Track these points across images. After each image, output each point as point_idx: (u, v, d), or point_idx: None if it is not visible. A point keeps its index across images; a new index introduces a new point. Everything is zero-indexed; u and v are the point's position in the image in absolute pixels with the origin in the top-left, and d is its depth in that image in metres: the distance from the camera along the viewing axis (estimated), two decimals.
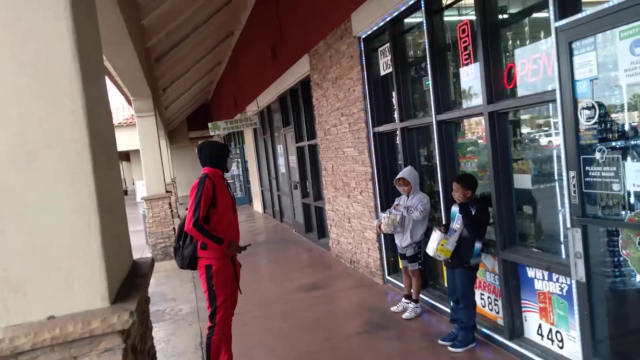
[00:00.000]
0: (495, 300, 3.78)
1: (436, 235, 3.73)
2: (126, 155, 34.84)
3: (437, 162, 4.21)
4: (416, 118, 4.84)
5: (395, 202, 4.64)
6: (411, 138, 4.85)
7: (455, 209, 3.77)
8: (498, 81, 3.49)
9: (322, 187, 7.71)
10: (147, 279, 2.03)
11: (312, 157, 8.21)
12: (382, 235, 5.54)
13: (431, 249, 3.75)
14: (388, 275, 5.55)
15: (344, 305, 5.06)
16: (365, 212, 5.80)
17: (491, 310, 3.85)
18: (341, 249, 6.89)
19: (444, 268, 4.47)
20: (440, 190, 4.23)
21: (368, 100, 5.45)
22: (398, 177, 4.45)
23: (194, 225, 3.20)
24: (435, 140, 4.19)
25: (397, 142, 5.29)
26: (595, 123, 2.58)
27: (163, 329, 5.08)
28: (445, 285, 4.53)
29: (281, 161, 10.80)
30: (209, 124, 12.17)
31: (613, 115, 2.54)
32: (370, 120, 5.48)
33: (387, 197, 5.50)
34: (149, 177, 8.20)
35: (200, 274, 3.41)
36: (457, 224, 3.69)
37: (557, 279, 3.11)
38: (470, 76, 3.90)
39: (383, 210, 5.47)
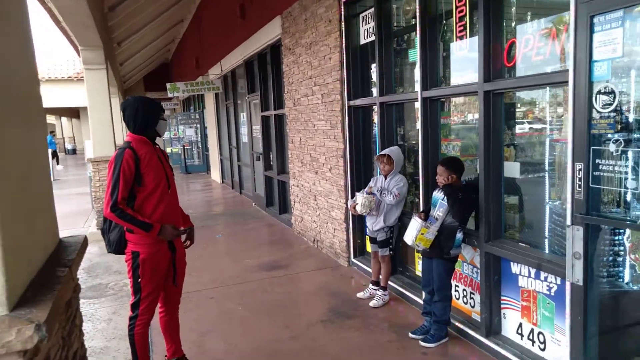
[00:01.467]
0: (471, 294, 3.55)
1: (416, 223, 3.42)
2: (76, 113, 32.83)
3: (420, 142, 3.87)
4: (397, 93, 4.47)
5: (370, 183, 4.30)
6: (390, 114, 4.49)
7: (438, 194, 3.46)
8: (497, 58, 3.16)
9: (287, 160, 7.28)
10: (74, 268, 1.57)
11: (278, 128, 7.72)
12: (350, 216, 5.21)
13: (409, 237, 3.45)
14: (354, 258, 5.26)
15: (306, 288, 4.73)
16: (334, 191, 5.44)
17: (466, 304, 3.62)
18: (304, 226, 6.54)
19: (417, 255, 4.21)
20: (421, 173, 3.91)
21: (345, 71, 5.02)
22: (383, 153, 4.09)
23: (112, 209, 2.59)
24: (419, 118, 3.84)
25: (374, 118, 4.92)
26: (612, 111, 2.29)
27: (105, 305, 4.58)
28: (416, 272, 4.28)
29: (244, 130, 10.23)
30: (168, 85, 11.35)
31: (636, 103, 2.25)
32: (346, 92, 5.06)
33: (358, 176, 5.15)
34: (97, 137, 7.47)
35: (126, 260, 2.81)
36: (438, 211, 3.39)
37: (546, 278, 2.88)
38: (464, 50, 3.54)
39: (353, 190, 5.13)
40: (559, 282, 2.77)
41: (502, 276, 3.25)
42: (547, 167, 3.21)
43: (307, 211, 6.37)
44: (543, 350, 2.94)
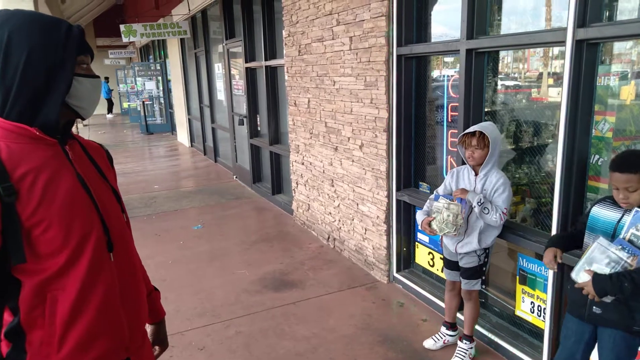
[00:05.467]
0: None
1: (603, 255, 1.91)
2: None
3: (562, 118, 2.31)
4: (497, 35, 2.86)
5: (448, 181, 2.75)
6: (480, 70, 2.87)
7: (610, 213, 1.96)
8: None
9: (286, 127, 5.59)
10: None
11: (271, 84, 5.94)
12: (393, 214, 3.68)
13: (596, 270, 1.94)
14: (397, 272, 3.78)
15: (340, 326, 3.22)
16: (368, 177, 3.86)
17: None
18: (312, 217, 4.97)
19: (517, 285, 2.72)
20: (559, 172, 2.37)
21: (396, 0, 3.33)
22: (472, 130, 2.54)
23: None
24: (567, 76, 2.25)
25: (441, 75, 3.32)
26: None
27: None
28: (510, 309, 2.84)
29: (219, 85, 8.34)
30: (122, 27, 9.18)
31: None
32: (394, 34, 3.39)
33: (407, 161, 3.58)
34: None
35: None
36: (628, 235, 1.88)
37: None
38: None
39: (400, 181, 3.57)
40: None
41: None
42: None
43: (318, 198, 4.79)
44: None
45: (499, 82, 3.03)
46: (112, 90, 20.45)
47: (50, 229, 1.05)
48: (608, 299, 1.90)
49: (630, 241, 1.85)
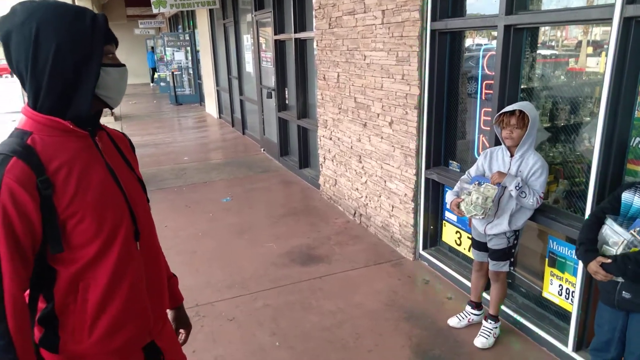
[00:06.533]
0: None
1: (621, 236, 1.89)
2: None
3: (604, 100, 2.22)
4: (537, 11, 2.74)
5: (481, 162, 2.71)
6: (518, 46, 2.77)
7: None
8: None
9: (314, 102, 5.56)
10: None
11: (300, 57, 5.89)
12: (422, 192, 3.67)
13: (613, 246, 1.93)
14: (422, 250, 3.79)
15: (366, 302, 3.28)
16: (396, 155, 3.84)
17: None
18: (339, 192, 5.00)
19: (546, 264, 2.70)
20: (596, 157, 2.30)
21: None
22: (511, 109, 2.47)
23: None
24: (612, 54, 2.16)
25: (476, 50, 3.22)
26: None
27: None
28: (539, 290, 2.82)
29: (248, 57, 8.31)
30: None
31: None
32: (429, 8, 3.29)
33: (438, 139, 3.53)
34: None
35: None
36: None
37: None
38: None
39: (430, 159, 3.54)
40: None
41: None
42: None
43: (345, 174, 4.80)
44: None
45: (536, 53, 2.92)
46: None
47: (84, 220, 1.08)
48: (619, 280, 1.91)
49: None
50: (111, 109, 1.23)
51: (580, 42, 2.76)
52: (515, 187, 2.44)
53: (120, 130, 1.39)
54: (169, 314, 1.50)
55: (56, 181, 1.05)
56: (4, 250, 0.98)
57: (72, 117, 1.09)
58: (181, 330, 1.55)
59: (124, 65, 1.19)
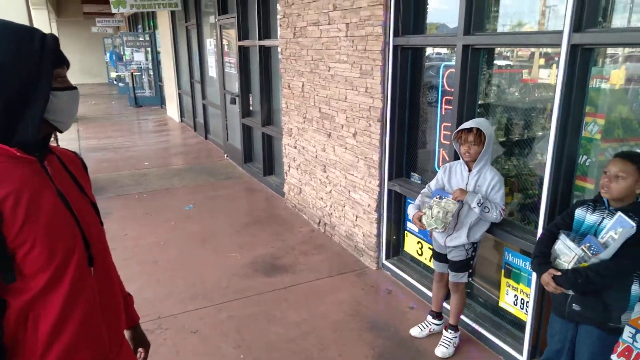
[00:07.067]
0: None
1: (570, 250, 2.00)
2: None
3: (554, 119, 2.35)
4: (493, 33, 2.86)
5: (440, 176, 2.80)
6: (475, 65, 2.88)
7: (591, 216, 2.04)
8: None
9: (279, 109, 5.56)
10: None
11: (264, 65, 5.88)
12: (384, 203, 3.74)
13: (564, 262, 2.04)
14: (385, 259, 3.87)
15: (330, 312, 3.32)
16: (360, 166, 3.90)
17: None
18: (304, 201, 5.02)
19: (501, 275, 2.82)
20: (548, 172, 2.43)
21: None
22: (468, 126, 2.57)
23: None
24: (560, 79, 2.29)
25: (436, 67, 3.32)
26: None
27: None
28: (495, 299, 2.94)
29: (211, 62, 8.22)
30: None
31: None
32: (392, 24, 3.37)
33: (400, 151, 3.62)
34: None
35: None
36: (606, 239, 1.97)
37: None
38: None
39: (392, 171, 3.62)
40: None
41: None
42: None
43: (310, 182, 4.83)
44: None
45: (493, 70, 3.05)
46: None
47: (34, 248, 1.06)
48: (570, 292, 2.02)
49: (605, 244, 1.93)
50: (60, 132, 1.19)
51: (532, 54, 2.91)
52: (478, 203, 2.54)
53: (71, 150, 1.36)
54: (126, 333, 1.48)
55: (4, 210, 1.01)
56: None
57: (19, 143, 1.06)
58: (140, 350, 1.53)
59: (75, 87, 1.16)
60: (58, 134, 1.17)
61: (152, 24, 13.67)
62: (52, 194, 1.12)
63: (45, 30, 1.34)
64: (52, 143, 1.25)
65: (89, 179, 1.34)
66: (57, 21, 16.94)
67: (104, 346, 1.24)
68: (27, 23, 5.31)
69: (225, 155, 7.76)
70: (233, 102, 6.89)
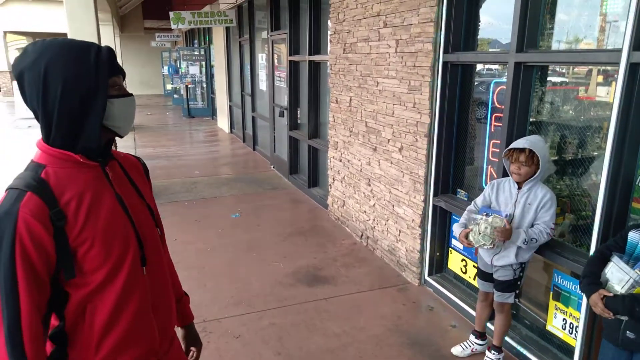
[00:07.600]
0: None
1: (627, 274, 1.93)
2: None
3: (610, 139, 2.29)
4: (547, 51, 2.82)
5: (488, 192, 2.76)
6: (528, 82, 2.85)
7: None
8: None
9: (326, 122, 5.66)
10: None
11: (313, 79, 6.02)
12: (429, 219, 3.72)
13: (618, 285, 1.96)
14: (428, 276, 3.83)
15: (370, 326, 3.31)
16: (405, 180, 3.90)
17: None
18: (347, 213, 5.06)
19: (550, 298, 2.73)
20: (602, 194, 2.35)
21: (445, 6, 3.32)
22: (521, 145, 2.52)
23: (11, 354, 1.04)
24: (618, 94, 2.23)
25: (487, 84, 3.30)
26: None
27: None
28: (542, 322, 2.84)
29: (262, 75, 8.48)
30: (171, 14, 9.43)
31: None
32: (442, 41, 3.39)
33: (447, 167, 3.59)
34: None
35: None
36: None
37: None
38: None
39: (438, 187, 3.60)
40: None
41: None
42: None
43: (354, 195, 4.87)
44: None
45: (546, 88, 3.00)
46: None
47: (93, 247, 1.15)
48: (624, 318, 1.94)
49: None
50: (120, 137, 1.29)
51: (590, 70, 2.83)
52: (523, 242, 2.49)
53: (135, 155, 1.46)
54: (179, 332, 1.56)
55: (68, 212, 1.12)
56: (22, 279, 1.06)
57: (83, 149, 1.16)
58: (192, 348, 1.61)
59: (131, 94, 1.26)
60: (116, 142, 1.29)
61: (207, 39, 14.27)
62: (111, 198, 1.22)
63: (110, 44, 1.47)
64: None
65: (149, 184, 1.44)
66: (120, 36, 17.99)
67: (155, 341, 1.32)
68: (97, 38, 5.73)
69: (272, 166, 7.93)
70: (282, 115, 7.07)
